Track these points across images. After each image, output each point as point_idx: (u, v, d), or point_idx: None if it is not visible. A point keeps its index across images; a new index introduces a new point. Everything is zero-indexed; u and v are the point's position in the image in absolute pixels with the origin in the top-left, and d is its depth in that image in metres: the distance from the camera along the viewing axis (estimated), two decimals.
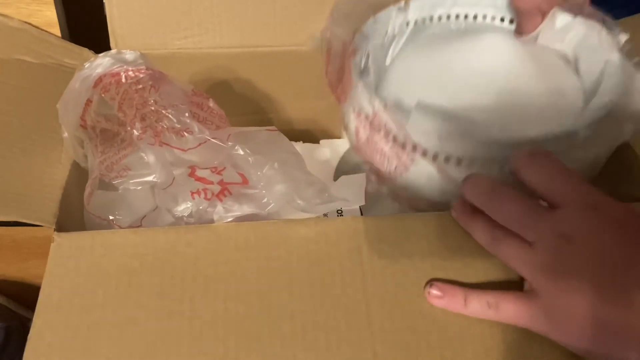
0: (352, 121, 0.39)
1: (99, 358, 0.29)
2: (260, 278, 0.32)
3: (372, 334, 0.30)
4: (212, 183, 0.37)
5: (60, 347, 0.30)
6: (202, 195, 0.37)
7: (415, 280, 0.32)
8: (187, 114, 0.34)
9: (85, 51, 0.48)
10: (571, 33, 0.40)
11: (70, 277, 0.32)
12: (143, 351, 0.30)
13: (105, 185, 0.38)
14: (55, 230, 0.34)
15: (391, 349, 0.30)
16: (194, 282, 0.32)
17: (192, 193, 0.37)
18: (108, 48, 0.48)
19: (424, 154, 0.35)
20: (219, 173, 0.37)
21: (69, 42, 0.49)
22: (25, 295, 0.48)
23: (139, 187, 0.37)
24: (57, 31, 0.48)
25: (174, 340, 0.30)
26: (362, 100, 0.37)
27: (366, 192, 0.39)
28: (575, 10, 0.40)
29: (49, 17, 0.47)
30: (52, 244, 0.33)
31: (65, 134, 0.37)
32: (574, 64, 0.41)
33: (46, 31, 0.48)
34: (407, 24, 0.44)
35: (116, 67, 0.33)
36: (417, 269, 0.32)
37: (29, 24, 0.48)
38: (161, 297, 0.31)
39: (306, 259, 0.33)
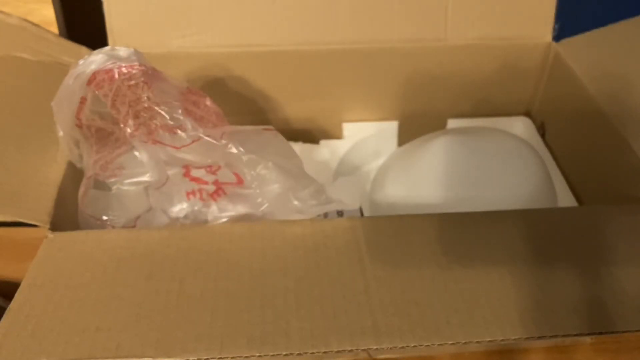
0: None
1: (78, 327, 0.28)
2: (254, 262, 0.31)
3: (370, 306, 0.29)
4: (207, 183, 0.36)
5: (38, 319, 0.29)
6: (198, 195, 0.37)
7: (416, 262, 0.31)
8: (180, 111, 0.33)
9: (84, 49, 0.48)
10: None
11: (57, 263, 0.31)
12: (126, 321, 0.28)
13: (100, 184, 0.37)
14: (49, 229, 0.33)
15: (392, 317, 0.29)
16: (184, 266, 0.31)
17: (188, 193, 0.37)
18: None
19: None
20: (214, 173, 0.36)
21: (67, 40, 0.48)
22: None
23: (133, 188, 0.36)
24: (54, 30, 0.48)
25: (160, 312, 0.29)
26: None
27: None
28: None
29: (46, 16, 0.47)
30: (44, 239, 0.33)
31: (61, 133, 0.37)
32: None
33: (44, 29, 0.48)
34: None
35: (109, 64, 0.32)
36: (416, 253, 0.32)
37: (28, 21, 0.47)
38: (149, 278, 0.30)
39: (302, 248, 0.32)
